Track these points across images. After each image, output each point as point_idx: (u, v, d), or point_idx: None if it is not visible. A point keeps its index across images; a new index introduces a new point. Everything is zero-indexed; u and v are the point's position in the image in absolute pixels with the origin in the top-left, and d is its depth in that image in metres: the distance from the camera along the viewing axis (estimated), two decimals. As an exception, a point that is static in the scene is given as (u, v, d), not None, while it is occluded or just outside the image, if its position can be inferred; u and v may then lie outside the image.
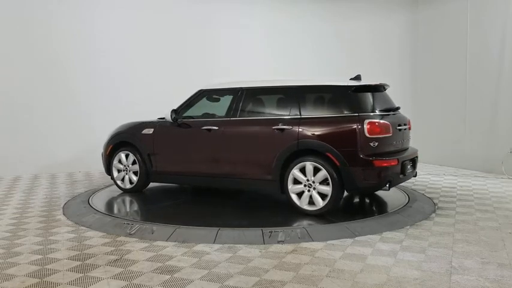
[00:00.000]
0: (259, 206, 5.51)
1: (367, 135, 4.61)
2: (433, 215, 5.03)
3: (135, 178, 5.94)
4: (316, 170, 4.73)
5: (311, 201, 4.78)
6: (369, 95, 4.99)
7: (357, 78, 5.17)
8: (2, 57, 7.79)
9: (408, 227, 4.53)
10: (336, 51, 9.68)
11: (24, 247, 3.95)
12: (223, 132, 5.26)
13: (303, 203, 4.80)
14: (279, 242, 4.03)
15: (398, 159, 4.80)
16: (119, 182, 6.08)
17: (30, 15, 7.90)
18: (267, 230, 4.19)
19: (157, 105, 7.83)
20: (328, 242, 4.04)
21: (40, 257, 3.70)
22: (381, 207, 5.37)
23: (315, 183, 4.74)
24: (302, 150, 4.81)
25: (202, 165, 5.43)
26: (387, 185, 4.72)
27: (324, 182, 4.71)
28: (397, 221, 4.67)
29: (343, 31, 9.73)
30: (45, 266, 3.48)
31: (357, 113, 4.73)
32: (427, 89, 9.77)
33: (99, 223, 4.63)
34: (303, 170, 4.80)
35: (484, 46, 8.24)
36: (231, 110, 5.33)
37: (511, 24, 7.71)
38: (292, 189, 4.86)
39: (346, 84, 4.93)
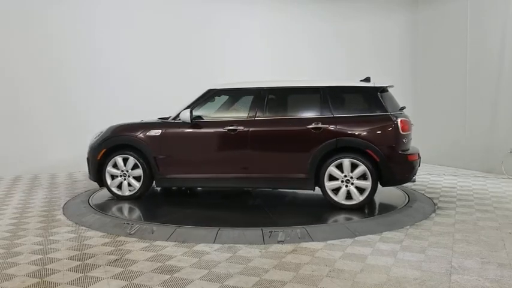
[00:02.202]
0: (259, 206, 5.51)
1: (401, 132, 5.02)
2: (433, 215, 5.03)
3: (137, 184, 5.52)
4: (353, 166, 4.98)
5: (347, 196, 5.03)
6: (389, 95, 5.37)
7: (367, 80, 5.48)
8: (2, 57, 7.79)
9: (408, 227, 4.53)
10: (336, 51, 9.68)
11: (24, 247, 3.95)
12: (251, 132, 5.19)
13: (340, 198, 5.03)
14: (279, 242, 4.03)
15: (418, 153, 5.26)
16: (114, 189, 5.60)
17: (30, 15, 7.90)
18: (267, 230, 4.19)
19: (156, 105, 7.85)
20: (328, 242, 4.04)
21: (40, 257, 3.70)
22: (380, 207, 5.37)
23: (353, 179, 4.99)
24: (339, 148, 5.01)
25: (226, 166, 5.27)
26: (414, 177, 5.20)
27: (361, 177, 4.98)
28: (397, 221, 4.67)
29: (343, 31, 9.74)
30: (45, 266, 3.48)
31: (386, 112, 5.11)
32: (427, 89, 9.77)
33: (99, 223, 4.63)
34: (338, 167, 5.02)
35: (484, 46, 8.24)
36: (255, 110, 5.27)
37: (511, 24, 7.71)
38: (328, 185, 5.05)
39: (375, 86, 5.26)
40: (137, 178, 5.54)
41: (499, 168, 7.74)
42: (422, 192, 6.24)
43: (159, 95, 8.43)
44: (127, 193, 5.57)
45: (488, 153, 8.12)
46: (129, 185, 5.57)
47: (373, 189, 4.97)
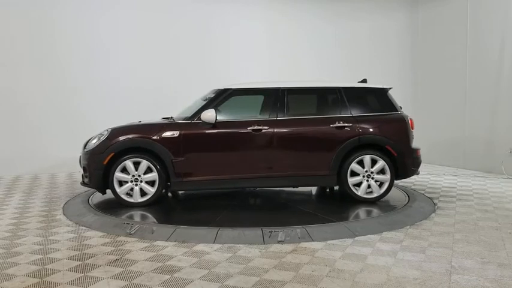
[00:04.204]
0: (259, 206, 5.50)
1: (411, 129, 5.59)
2: (433, 215, 5.03)
3: (151, 189, 5.16)
4: (373, 162, 5.36)
5: (368, 190, 5.42)
6: (391, 96, 5.76)
7: (364, 81, 5.93)
8: (3, 57, 7.80)
9: (408, 227, 4.53)
10: (336, 51, 9.68)
11: (24, 247, 3.95)
12: (276, 132, 5.25)
13: (362, 192, 5.38)
14: (279, 241, 4.03)
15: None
16: (124, 197, 5.19)
17: (32, 15, 7.90)
18: (267, 229, 4.19)
19: (157, 105, 7.87)
20: (328, 242, 4.04)
21: (40, 257, 3.70)
22: (380, 207, 5.37)
23: (373, 174, 5.37)
24: (361, 145, 5.35)
25: (250, 167, 5.26)
26: (419, 170, 5.72)
27: (380, 172, 5.39)
28: (397, 221, 4.67)
29: (343, 31, 9.74)
30: (45, 266, 3.48)
31: (396, 111, 5.63)
32: (426, 89, 9.78)
33: (99, 223, 4.62)
34: (359, 163, 5.35)
35: (484, 46, 8.24)
36: (276, 110, 5.35)
37: (511, 24, 7.71)
38: (351, 181, 5.36)
39: (385, 87, 5.74)
40: (149, 183, 5.20)
41: (499, 168, 7.74)
42: (422, 192, 6.24)
43: (160, 95, 8.44)
44: (139, 199, 5.19)
45: (488, 153, 8.12)
46: (141, 190, 5.21)
47: (392, 182, 5.39)
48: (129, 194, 5.21)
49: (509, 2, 7.75)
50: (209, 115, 5.12)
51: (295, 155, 5.33)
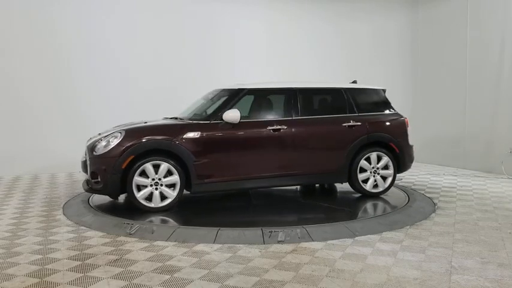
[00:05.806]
0: (259, 206, 5.50)
1: (408, 127, 5.98)
2: (433, 214, 5.03)
3: (172, 193, 4.92)
4: (378, 158, 5.70)
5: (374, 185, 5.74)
6: None
7: (354, 83, 6.18)
8: (3, 57, 7.80)
9: (408, 227, 4.53)
10: (336, 51, 9.69)
11: (24, 247, 3.95)
12: (295, 131, 5.37)
13: (369, 187, 5.69)
14: (279, 241, 4.03)
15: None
16: (144, 202, 4.88)
17: (33, 15, 7.90)
18: (267, 229, 4.19)
19: (158, 105, 7.86)
20: (328, 241, 4.04)
21: (40, 257, 3.69)
22: (380, 207, 5.38)
23: (379, 169, 5.71)
24: (368, 143, 5.67)
25: (268, 166, 5.29)
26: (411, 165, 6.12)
27: (384, 167, 5.73)
28: (397, 221, 4.67)
29: (343, 31, 9.75)
30: (45, 266, 3.48)
31: (394, 110, 6.04)
32: (426, 88, 9.78)
33: (99, 223, 4.62)
34: (366, 159, 5.66)
35: (484, 46, 8.24)
36: (291, 110, 5.47)
37: (511, 24, 7.71)
38: (360, 177, 5.66)
39: (383, 88, 6.12)
40: (171, 186, 4.97)
41: (499, 168, 7.74)
42: (422, 192, 6.24)
43: (160, 95, 8.43)
44: (160, 204, 4.92)
45: (488, 153, 8.12)
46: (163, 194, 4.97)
47: (394, 176, 5.77)
48: (147, 199, 4.92)
49: (509, 2, 7.75)
50: (232, 115, 5.03)
51: (312, 153, 5.49)
